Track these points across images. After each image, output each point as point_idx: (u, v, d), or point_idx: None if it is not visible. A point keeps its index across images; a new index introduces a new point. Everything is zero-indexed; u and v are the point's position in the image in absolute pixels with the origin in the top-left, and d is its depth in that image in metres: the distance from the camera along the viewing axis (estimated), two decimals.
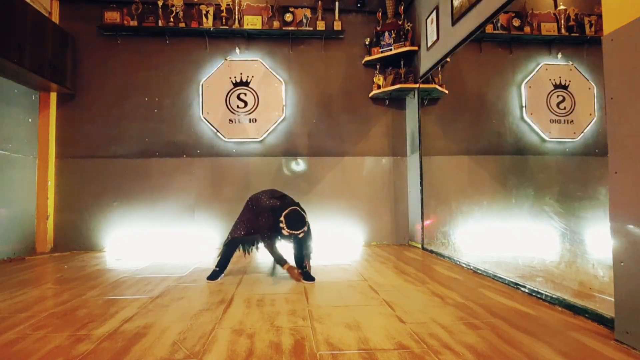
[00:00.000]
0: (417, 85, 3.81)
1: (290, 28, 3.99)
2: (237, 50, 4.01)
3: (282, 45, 4.09)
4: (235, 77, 4.01)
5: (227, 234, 2.57)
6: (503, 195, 3.89)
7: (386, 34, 3.95)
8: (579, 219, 3.37)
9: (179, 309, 1.85)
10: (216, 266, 2.52)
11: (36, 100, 3.72)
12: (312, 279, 2.42)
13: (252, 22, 3.96)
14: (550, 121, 3.88)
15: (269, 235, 2.39)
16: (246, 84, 4.02)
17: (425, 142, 3.82)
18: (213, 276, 2.47)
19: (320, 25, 4.01)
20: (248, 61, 4.03)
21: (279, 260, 2.43)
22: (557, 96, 3.89)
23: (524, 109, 3.90)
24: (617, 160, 1.42)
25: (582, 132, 3.82)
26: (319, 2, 4.01)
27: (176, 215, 3.87)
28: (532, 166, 3.94)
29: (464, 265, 2.84)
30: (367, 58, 4.04)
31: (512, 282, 2.22)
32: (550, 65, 3.89)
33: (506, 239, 3.53)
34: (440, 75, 3.89)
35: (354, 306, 1.88)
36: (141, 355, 1.32)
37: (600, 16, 1.84)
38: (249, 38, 4.03)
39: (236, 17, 3.91)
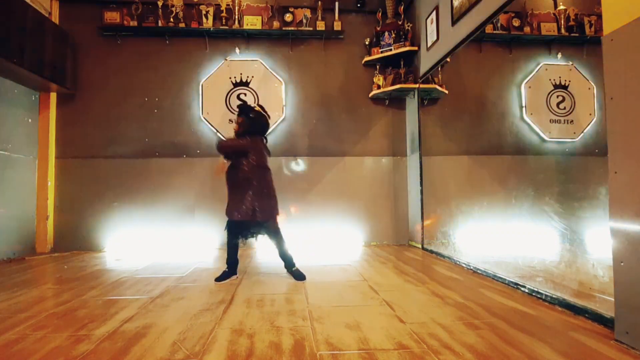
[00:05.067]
0: (417, 86, 3.81)
1: (290, 28, 3.98)
2: (237, 51, 4.01)
3: (282, 45, 4.08)
4: (235, 77, 4.01)
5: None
6: (503, 195, 3.89)
7: (386, 34, 3.95)
8: (579, 219, 3.37)
9: (179, 309, 1.85)
10: (227, 265, 2.49)
11: (36, 100, 3.72)
12: (302, 277, 2.43)
13: (252, 22, 3.96)
14: (550, 121, 3.88)
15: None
16: (246, 84, 4.01)
17: (425, 142, 3.82)
18: (221, 277, 2.42)
19: (320, 26, 4.00)
20: (248, 61, 4.03)
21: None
22: (557, 96, 3.89)
23: (523, 109, 3.90)
24: (617, 160, 1.42)
25: (582, 132, 3.82)
26: (319, 2, 4.01)
27: (176, 215, 3.87)
28: (532, 166, 3.94)
29: (464, 265, 2.84)
30: (367, 58, 4.03)
31: (512, 282, 2.22)
32: (550, 65, 3.90)
33: (506, 239, 3.53)
34: (440, 75, 3.89)
35: (354, 306, 1.88)
36: (141, 356, 1.32)
37: (600, 16, 1.84)
38: (249, 38, 4.03)
39: (236, 17, 3.91)
